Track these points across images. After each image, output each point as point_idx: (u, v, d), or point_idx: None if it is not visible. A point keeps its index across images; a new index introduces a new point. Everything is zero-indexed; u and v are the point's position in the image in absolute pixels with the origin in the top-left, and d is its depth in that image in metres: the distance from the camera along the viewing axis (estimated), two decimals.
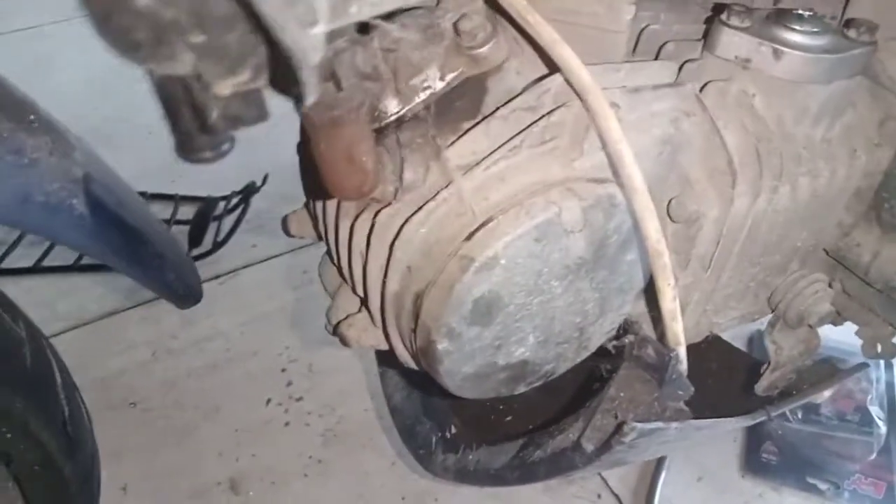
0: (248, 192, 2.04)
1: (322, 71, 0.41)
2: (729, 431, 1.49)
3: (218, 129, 0.33)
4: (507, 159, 0.60)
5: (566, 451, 0.72)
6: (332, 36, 0.40)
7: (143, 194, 2.06)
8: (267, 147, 2.28)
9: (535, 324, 0.65)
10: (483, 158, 0.60)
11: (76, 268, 1.89)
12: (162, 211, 2.06)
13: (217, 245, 1.97)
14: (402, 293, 0.63)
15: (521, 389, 0.73)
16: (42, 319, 1.83)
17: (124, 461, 1.54)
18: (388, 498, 1.47)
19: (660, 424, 0.63)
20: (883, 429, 1.47)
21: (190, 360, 1.75)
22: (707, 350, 0.94)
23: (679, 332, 0.64)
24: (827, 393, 0.87)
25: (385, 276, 0.63)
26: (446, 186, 0.60)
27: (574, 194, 0.60)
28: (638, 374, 0.69)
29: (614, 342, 0.71)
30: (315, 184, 0.55)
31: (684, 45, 0.72)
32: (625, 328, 0.71)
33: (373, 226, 0.63)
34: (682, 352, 0.67)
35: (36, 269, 1.87)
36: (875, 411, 1.49)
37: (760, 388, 0.86)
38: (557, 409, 0.94)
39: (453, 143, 0.61)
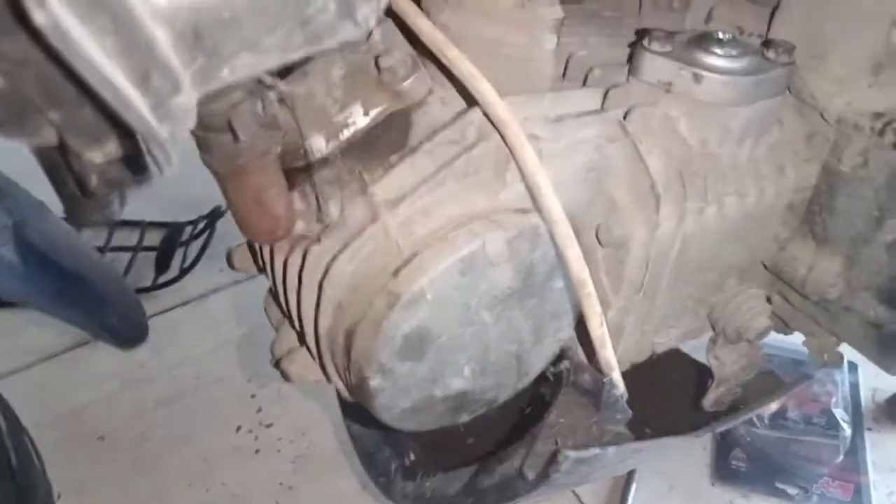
0: (214, 216, 2.04)
1: (217, 123, 0.41)
2: (681, 447, 1.50)
3: (100, 194, 0.33)
4: (432, 193, 0.60)
5: (510, 479, 0.72)
6: (224, 89, 0.41)
7: (107, 222, 2.05)
8: None
9: (469, 354, 0.65)
10: (409, 193, 0.61)
11: None
12: (128, 237, 2.05)
13: (184, 271, 1.96)
14: (334, 330, 0.64)
15: (465, 419, 0.73)
16: (6, 353, 1.82)
17: (93, 495, 1.53)
18: None
19: (596, 451, 0.64)
20: (848, 431, 1.48)
21: (158, 388, 1.74)
22: (664, 361, 0.94)
23: (610, 358, 0.65)
24: (773, 406, 0.88)
25: (317, 312, 0.63)
26: (372, 222, 0.60)
27: (498, 226, 0.60)
28: (576, 400, 0.70)
29: (551, 369, 0.72)
30: None
31: (611, 69, 0.73)
32: (561, 354, 0.71)
33: (303, 263, 0.63)
34: (617, 376, 0.67)
35: None
36: (840, 414, 1.51)
37: (708, 403, 0.87)
38: (516, 426, 0.94)
39: (380, 178, 0.62)
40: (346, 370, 0.64)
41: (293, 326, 0.72)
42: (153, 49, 0.26)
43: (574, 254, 0.59)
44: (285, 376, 0.73)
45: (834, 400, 1.54)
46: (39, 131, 0.28)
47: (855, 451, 1.49)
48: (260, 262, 0.77)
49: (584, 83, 0.73)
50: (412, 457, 1.01)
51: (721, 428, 0.82)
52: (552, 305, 0.68)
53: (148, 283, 1.94)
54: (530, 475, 0.69)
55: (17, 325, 1.89)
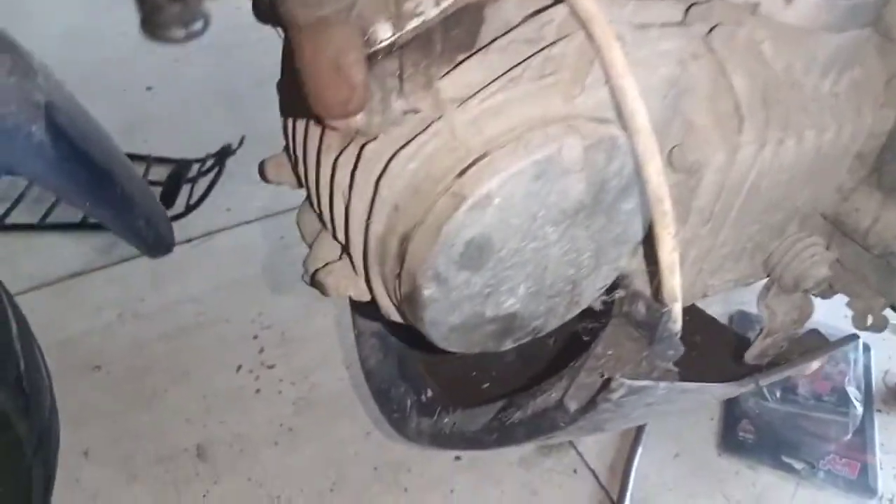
0: (224, 154, 1.98)
1: None
2: (710, 403, 1.48)
3: None
4: (505, 92, 0.56)
5: (548, 411, 0.69)
6: None
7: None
8: (244, 109, 2.23)
9: (527, 272, 0.61)
10: (478, 91, 0.56)
11: (41, 226, 1.82)
12: None
13: (190, 208, 1.90)
14: (387, 235, 0.59)
15: (508, 345, 0.69)
16: (5, 278, 1.77)
17: (87, 426, 1.49)
18: (361, 467, 1.43)
19: (648, 383, 0.60)
20: (859, 410, 1.47)
21: (159, 324, 1.69)
22: (690, 324, 0.92)
23: (676, 287, 0.61)
24: (815, 364, 0.85)
25: (369, 216, 0.59)
26: (438, 119, 0.56)
27: (576, 131, 0.56)
28: (627, 332, 0.66)
29: (603, 297, 0.68)
30: (297, 107, 0.50)
31: None
32: (615, 283, 0.68)
33: (357, 161, 0.59)
34: (678, 309, 0.64)
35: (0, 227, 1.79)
36: (852, 392, 1.49)
37: (751, 355, 0.84)
38: (535, 376, 0.91)
39: (447, 73, 0.57)
40: (397, 279, 0.60)
41: (335, 236, 0.68)
42: None
43: (655, 166, 0.55)
44: (321, 289, 0.69)
45: (846, 378, 1.52)
46: None
47: (863, 431, 1.48)
48: (298, 170, 0.72)
49: None
50: (429, 393, 0.98)
51: (766, 381, 0.79)
52: (618, 229, 0.64)
53: None
54: (572, 406, 0.66)
55: (15, 251, 1.84)
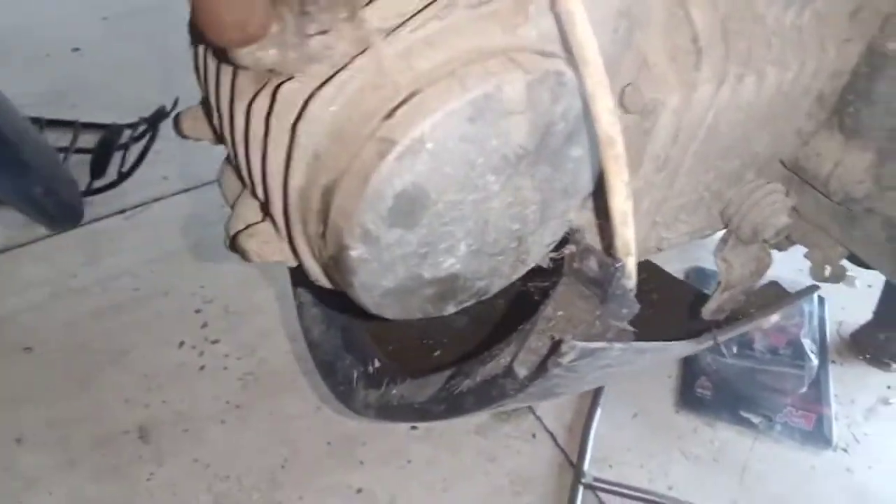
0: (157, 118, 1.86)
1: None
2: (669, 362, 1.46)
3: None
4: (439, 21, 0.49)
5: (497, 378, 0.64)
6: None
7: (37, 120, 1.85)
8: (178, 69, 2.09)
9: (467, 228, 0.55)
10: (408, 19, 0.49)
11: None
12: (60, 139, 1.86)
13: (122, 176, 1.79)
14: (308, 188, 0.52)
15: (451, 310, 0.63)
16: None
17: (19, 410, 1.41)
18: (313, 443, 1.38)
19: (602, 344, 0.55)
20: (814, 362, 1.47)
21: (93, 300, 1.60)
22: (646, 280, 0.88)
23: (630, 240, 0.56)
24: (774, 318, 0.81)
25: (287, 167, 0.52)
26: (362, 53, 0.49)
27: (517, 65, 0.49)
28: (578, 290, 0.61)
29: (552, 254, 0.62)
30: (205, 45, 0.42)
31: None
32: (564, 238, 0.62)
33: (272, 104, 0.51)
34: (632, 263, 0.59)
35: None
36: (807, 345, 1.49)
37: (708, 311, 0.80)
38: (487, 340, 0.86)
39: (373, 1, 0.50)
40: (321, 239, 0.53)
41: (254, 194, 0.60)
42: None
43: (605, 104, 0.49)
44: (243, 254, 0.62)
45: (802, 331, 1.52)
46: None
47: (818, 383, 1.49)
48: (215, 122, 0.65)
49: None
50: (376, 364, 0.92)
51: (724, 337, 0.75)
52: (566, 179, 0.58)
53: (82, 189, 1.76)
54: (521, 372, 0.61)
55: None
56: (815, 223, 0.81)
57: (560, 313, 0.62)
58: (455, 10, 0.49)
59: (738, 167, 0.70)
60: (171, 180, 1.89)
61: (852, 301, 1.61)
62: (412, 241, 0.53)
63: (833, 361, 1.54)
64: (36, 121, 1.85)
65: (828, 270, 0.86)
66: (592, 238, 0.64)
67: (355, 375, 0.92)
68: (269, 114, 0.52)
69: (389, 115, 0.48)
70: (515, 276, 0.65)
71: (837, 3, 0.67)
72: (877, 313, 1.51)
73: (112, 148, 1.81)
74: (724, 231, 0.76)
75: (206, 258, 1.73)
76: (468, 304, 0.64)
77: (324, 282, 0.61)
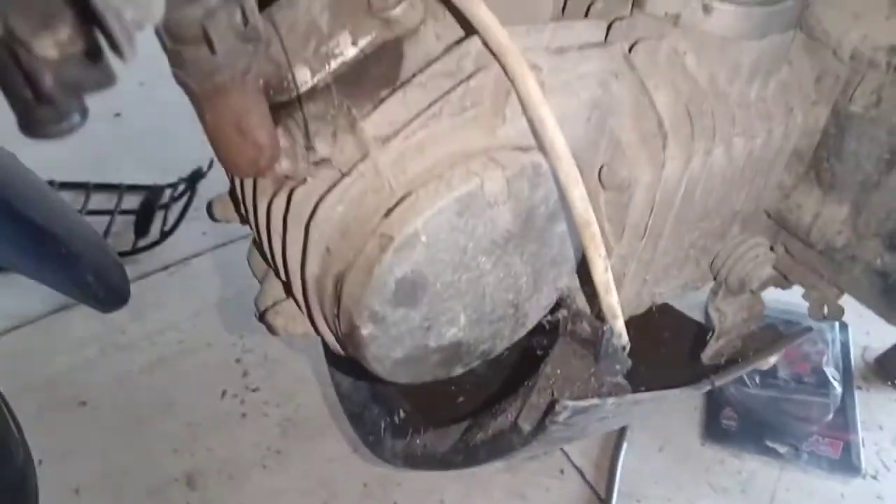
0: (195, 178, 1.97)
1: (191, 33, 0.37)
2: (680, 401, 1.49)
3: (56, 98, 0.29)
4: (426, 129, 0.56)
5: (504, 432, 0.70)
6: None
7: (85, 185, 1.99)
8: None
9: (465, 302, 0.62)
10: (401, 128, 0.56)
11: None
12: (106, 201, 1.99)
13: (164, 234, 1.90)
14: (322, 277, 0.60)
15: (459, 371, 0.70)
16: None
17: (76, 462, 1.49)
18: (351, 485, 1.44)
19: (594, 401, 0.61)
20: (839, 389, 1.48)
21: (140, 354, 1.70)
22: (658, 319, 0.92)
23: (614, 305, 0.62)
24: (772, 359, 0.85)
25: (304, 259, 0.60)
26: (362, 160, 0.56)
27: (497, 164, 0.56)
28: (574, 350, 0.67)
29: (548, 318, 0.68)
30: None
31: (614, 2, 0.69)
32: (558, 303, 0.68)
33: (288, 205, 0.59)
34: (620, 325, 0.64)
35: None
36: (830, 372, 1.50)
37: (706, 356, 0.84)
38: (509, 384, 0.92)
39: (370, 113, 0.57)
40: (336, 319, 0.61)
41: (278, 276, 0.68)
42: None
43: (578, 193, 0.56)
44: (270, 329, 0.70)
45: (825, 359, 1.53)
46: None
47: (844, 410, 1.49)
48: (242, 211, 0.73)
49: (586, 17, 0.68)
50: (402, 414, 0.99)
51: (721, 382, 0.79)
52: (552, 251, 0.64)
53: (127, 248, 1.88)
54: (526, 428, 0.67)
55: None
56: (809, 266, 0.86)
57: (558, 371, 0.68)
58: (440, 119, 0.56)
59: (720, 225, 0.75)
60: (209, 236, 1.99)
61: (876, 326, 1.60)
62: (416, 317, 0.60)
63: (859, 387, 1.54)
64: (83, 186, 1.99)
65: (826, 310, 0.90)
66: (583, 302, 0.69)
67: (383, 426, 0.98)
68: (286, 213, 0.60)
69: (387, 214, 0.55)
70: (517, 337, 0.72)
71: (801, 71, 0.72)
72: None
73: (154, 208, 1.92)
74: (714, 282, 0.81)
75: (245, 308, 1.81)
76: (474, 364, 0.71)
77: (342, 352, 0.68)
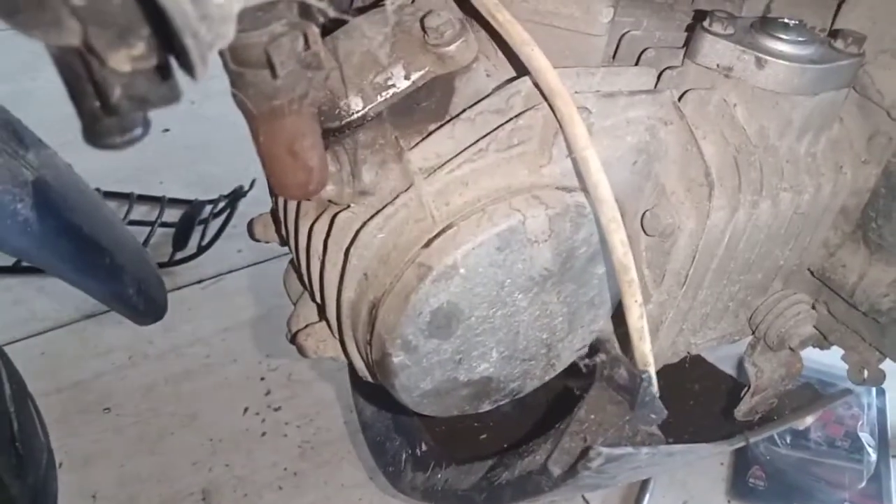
0: (236, 196, 2.01)
1: (254, 57, 0.38)
2: (711, 455, 1.45)
3: (122, 111, 0.30)
4: (472, 163, 0.57)
5: (532, 474, 0.68)
6: (265, 18, 0.37)
7: (129, 196, 2.04)
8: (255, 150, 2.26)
9: (498, 338, 0.62)
10: (446, 161, 0.57)
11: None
12: (148, 213, 2.04)
13: (201, 249, 1.93)
14: (358, 302, 0.60)
15: (486, 407, 0.69)
16: (19, 320, 1.81)
17: (95, 468, 1.50)
18: None
19: (629, 449, 0.60)
20: (873, 456, 1.43)
21: (167, 365, 1.72)
22: (690, 371, 0.90)
23: (647, 353, 0.61)
24: (809, 419, 0.83)
25: (341, 283, 0.60)
26: (406, 190, 0.57)
27: (540, 202, 0.56)
28: (609, 396, 0.66)
29: (585, 361, 0.68)
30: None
31: (665, 52, 0.69)
32: (596, 347, 0.67)
33: (330, 229, 0.60)
34: (652, 373, 0.63)
35: (15, 269, 1.83)
36: (865, 438, 1.45)
37: (740, 412, 0.82)
38: (534, 426, 0.90)
39: (417, 144, 0.58)
40: (368, 345, 0.61)
41: (313, 299, 0.69)
42: None
43: (619, 237, 0.55)
44: (301, 351, 0.70)
45: (860, 423, 1.48)
46: (60, 24, 0.25)
47: (878, 478, 1.44)
48: (283, 232, 0.74)
49: (637, 64, 0.69)
50: (423, 447, 0.98)
51: (755, 438, 0.77)
52: (590, 293, 0.64)
53: (164, 260, 1.92)
54: (555, 471, 0.66)
55: (29, 293, 1.88)
56: (850, 327, 0.83)
57: (592, 416, 0.67)
58: (486, 154, 0.57)
59: (762, 279, 0.74)
60: (244, 253, 2.02)
61: None
62: (448, 349, 0.60)
63: (894, 456, 1.49)
64: (127, 196, 2.04)
65: (865, 373, 0.88)
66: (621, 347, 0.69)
67: (404, 457, 0.97)
68: (327, 237, 0.60)
69: (428, 244, 0.56)
70: (547, 378, 0.71)
71: (852, 130, 0.71)
72: None
73: (194, 222, 1.96)
74: (752, 337, 0.80)
75: (273, 327, 1.83)
76: (502, 402, 0.70)
77: (370, 378, 0.68)
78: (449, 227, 0.56)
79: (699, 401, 0.98)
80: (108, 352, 1.74)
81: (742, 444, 0.77)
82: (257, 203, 2.04)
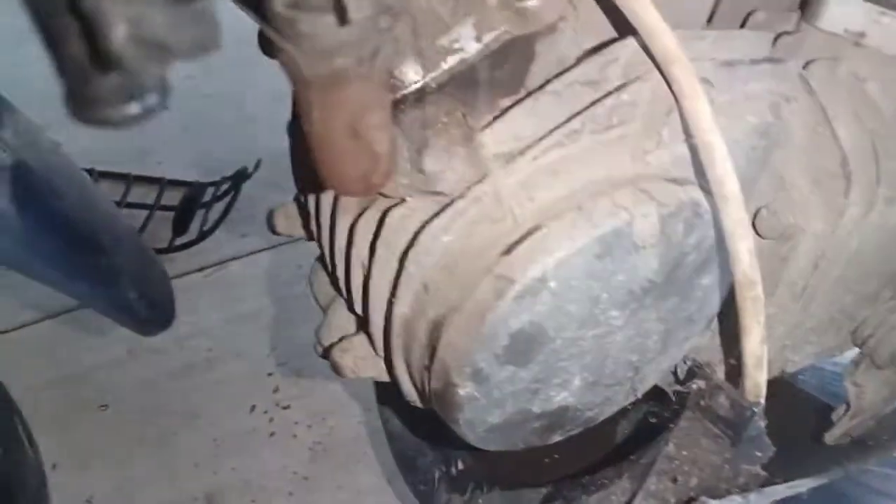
0: (239, 178, 1.90)
1: None
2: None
3: (127, 62, 0.18)
4: (562, 148, 0.45)
5: None
6: None
7: (125, 176, 1.92)
8: (261, 129, 2.14)
9: (584, 363, 0.50)
10: (529, 146, 0.45)
11: None
12: (146, 195, 1.92)
13: (203, 234, 1.83)
14: (414, 319, 0.49)
15: (556, 439, 0.58)
16: (9, 308, 1.70)
17: (92, 470, 1.42)
18: None
19: (738, 499, 0.49)
20: None
21: (169, 359, 1.61)
22: (770, 390, 0.79)
23: (762, 384, 0.50)
24: None
25: (393, 295, 0.49)
26: (479, 182, 0.45)
27: (650, 198, 0.45)
28: (704, 428, 0.55)
29: (678, 387, 0.57)
30: (308, 172, 0.40)
31: (776, 14, 0.57)
32: (693, 371, 0.56)
33: (379, 229, 0.48)
34: (761, 405, 0.52)
35: None
36: None
37: (832, 436, 0.72)
38: (589, 451, 0.80)
39: (490, 124, 0.47)
40: (425, 371, 0.50)
41: (351, 309, 0.57)
42: None
43: (745, 245, 0.44)
44: (336, 369, 0.59)
45: None
46: None
47: None
48: (311, 226, 0.62)
49: (743, 28, 0.57)
50: (461, 466, 0.87)
51: (855, 468, 0.67)
52: (691, 308, 0.53)
53: (163, 246, 1.81)
54: None
55: (17, 278, 1.75)
56: None
57: (684, 453, 0.56)
58: (580, 136, 0.45)
59: (874, 288, 0.63)
60: (249, 239, 1.91)
61: None
62: (525, 377, 0.49)
63: None
64: (124, 177, 1.92)
65: None
66: (721, 373, 0.58)
67: (437, 476, 0.87)
68: (375, 238, 0.49)
69: (508, 250, 0.44)
70: (626, 403, 0.60)
71: None
72: None
73: (195, 206, 1.86)
74: (856, 352, 0.69)
75: (281, 319, 1.73)
76: (574, 433, 0.59)
77: (420, 405, 0.57)
78: (535, 228, 0.44)
79: (785, 425, 0.87)
80: (106, 344, 1.63)
81: (841, 475, 0.67)
82: (262, 186, 1.93)
